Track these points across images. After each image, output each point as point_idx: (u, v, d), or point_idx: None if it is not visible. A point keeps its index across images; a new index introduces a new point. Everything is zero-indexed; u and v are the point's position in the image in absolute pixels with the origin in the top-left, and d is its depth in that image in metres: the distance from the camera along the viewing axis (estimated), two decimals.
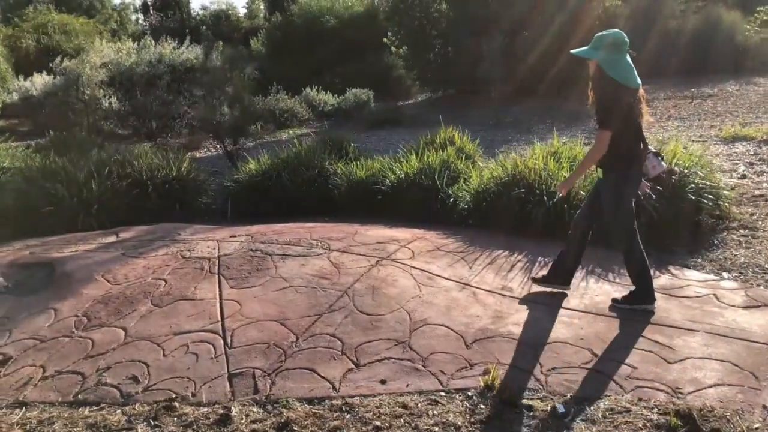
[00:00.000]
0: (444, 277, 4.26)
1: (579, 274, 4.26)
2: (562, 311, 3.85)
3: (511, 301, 3.99)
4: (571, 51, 3.92)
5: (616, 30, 3.77)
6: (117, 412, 3.12)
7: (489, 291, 4.11)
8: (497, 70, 13.43)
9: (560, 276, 4.10)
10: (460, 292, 4.07)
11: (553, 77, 15.27)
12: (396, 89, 19.91)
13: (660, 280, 4.26)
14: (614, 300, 3.96)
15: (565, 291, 4.09)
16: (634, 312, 3.81)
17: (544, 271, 4.24)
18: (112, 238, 5.63)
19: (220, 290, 4.19)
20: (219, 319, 3.83)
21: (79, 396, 3.26)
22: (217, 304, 4.00)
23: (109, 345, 3.69)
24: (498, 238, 5.20)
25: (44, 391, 3.35)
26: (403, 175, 6.23)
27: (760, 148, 8.19)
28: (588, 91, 3.89)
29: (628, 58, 3.74)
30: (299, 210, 6.79)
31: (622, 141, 3.71)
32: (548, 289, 4.11)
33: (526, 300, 4.02)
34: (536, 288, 4.16)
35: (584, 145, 6.57)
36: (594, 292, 4.11)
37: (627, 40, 3.71)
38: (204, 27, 33.05)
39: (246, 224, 6.30)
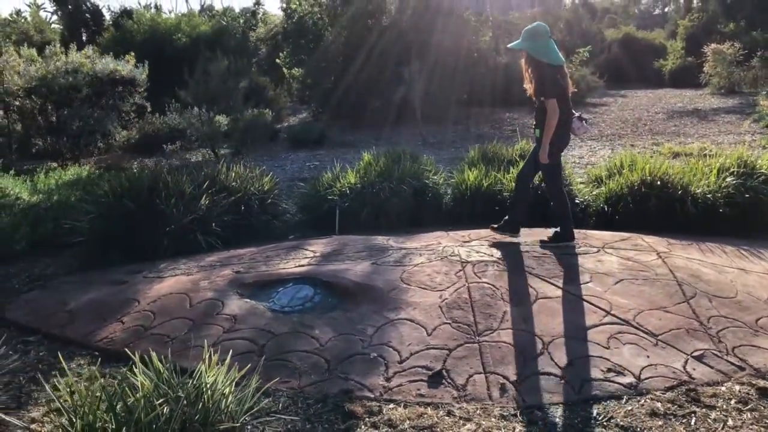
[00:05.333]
0: (722, 265, 4.83)
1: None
2: None
3: None
4: (508, 45, 5.19)
5: (538, 22, 5.01)
6: (648, 399, 3.22)
7: (761, 273, 4.77)
8: (416, 96, 14.11)
9: (513, 226, 5.25)
10: (749, 276, 4.68)
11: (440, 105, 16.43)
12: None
13: None
14: (542, 241, 5.12)
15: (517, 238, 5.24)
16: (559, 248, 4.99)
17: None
18: (309, 253, 5.25)
19: (561, 288, 4.30)
20: (605, 312, 3.99)
21: (593, 392, 3.29)
22: (581, 301, 4.13)
23: (534, 346, 3.68)
24: (663, 234, 5.81)
25: (538, 392, 3.30)
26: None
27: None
28: (524, 77, 5.03)
29: (552, 43, 4.89)
30: (410, 221, 6.77)
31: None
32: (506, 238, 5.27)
33: None
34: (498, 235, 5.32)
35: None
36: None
37: (548, 28, 4.91)
38: None
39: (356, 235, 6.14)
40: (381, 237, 5.68)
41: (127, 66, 11.79)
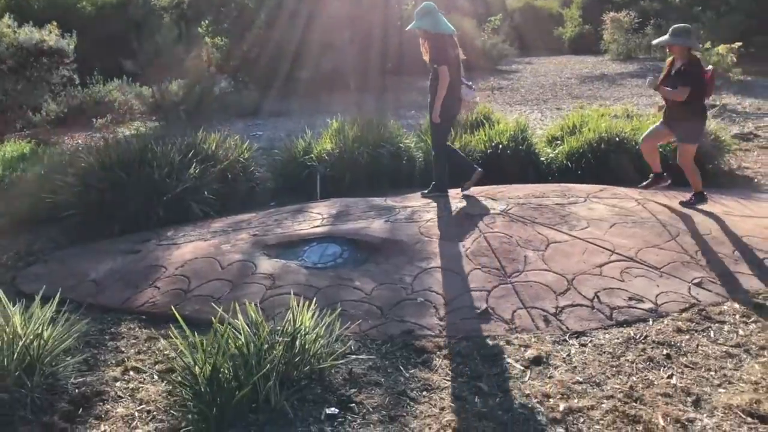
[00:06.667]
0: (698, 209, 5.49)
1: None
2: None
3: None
4: (406, 29, 5.89)
5: (426, 2, 5.55)
6: (670, 320, 3.77)
7: (721, 214, 5.47)
8: (347, 65, 14.28)
9: (442, 187, 5.90)
10: (703, 216, 5.34)
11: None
12: None
13: None
14: (422, 192, 5.93)
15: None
16: (433, 195, 5.82)
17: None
18: (316, 215, 5.48)
19: (566, 233, 4.80)
20: (610, 252, 4.53)
21: (622, 317, 3.81)
22: (587, 243, 4.64)
23: (561, 283, 4.15)
24: (621, 185, 6.44)
25: (577, 320, 3.77)
26: (498, 144, 7.09)
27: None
28: (422, 50, 5.72)
29: (440, 16, 5.51)
30: (390, 184, 7.07)
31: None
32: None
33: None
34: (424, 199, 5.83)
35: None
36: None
37: (434, 5, 5.50)
38: None
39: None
40: (378, 198, 5.97)
41: (52, 36, 11.25)
